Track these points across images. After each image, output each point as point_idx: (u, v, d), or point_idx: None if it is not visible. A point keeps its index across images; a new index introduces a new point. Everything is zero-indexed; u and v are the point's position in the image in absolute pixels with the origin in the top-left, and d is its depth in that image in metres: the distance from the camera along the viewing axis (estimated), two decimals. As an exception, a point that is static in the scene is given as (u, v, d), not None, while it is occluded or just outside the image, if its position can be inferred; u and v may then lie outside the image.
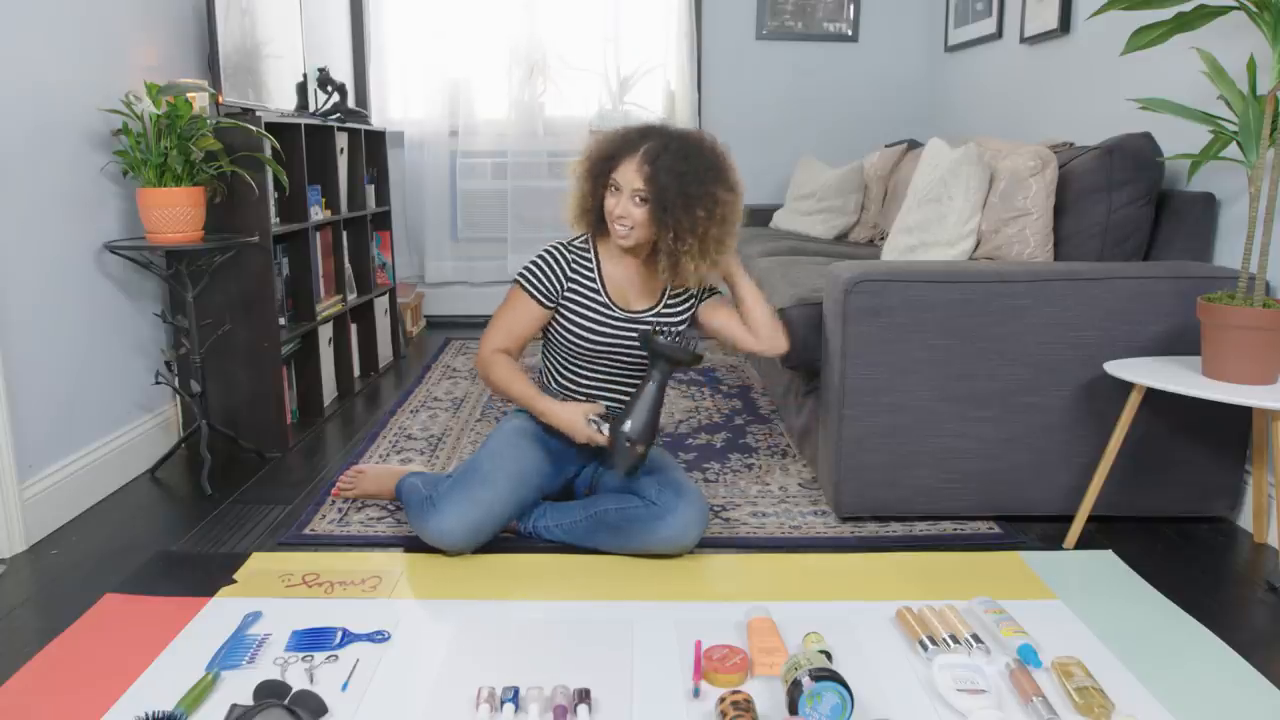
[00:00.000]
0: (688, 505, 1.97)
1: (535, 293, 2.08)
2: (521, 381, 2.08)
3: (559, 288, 2.09)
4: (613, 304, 2.10)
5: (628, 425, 1.93)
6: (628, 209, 1.99)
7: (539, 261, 2.10)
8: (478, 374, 2.11)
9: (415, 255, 4.76)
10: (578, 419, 2.02)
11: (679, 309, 2.15)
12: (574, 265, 2.10)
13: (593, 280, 2.10)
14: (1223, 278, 2.11)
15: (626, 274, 2.12)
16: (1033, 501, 2.22)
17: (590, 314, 2.09)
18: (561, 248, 2.11)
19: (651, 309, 2.12)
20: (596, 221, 2.09)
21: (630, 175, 1.98)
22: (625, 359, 2.12)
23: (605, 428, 1.97)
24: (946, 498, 2.21)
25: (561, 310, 2.10)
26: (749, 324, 2.12)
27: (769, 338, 2.11)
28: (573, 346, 2.11)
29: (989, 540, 2.14)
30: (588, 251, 2.12)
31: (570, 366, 2.16)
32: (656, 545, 1.98)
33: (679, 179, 1.95)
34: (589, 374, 2.15)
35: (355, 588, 1.89)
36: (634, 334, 2.09)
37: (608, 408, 2.16)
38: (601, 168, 2.04)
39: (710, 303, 2.17)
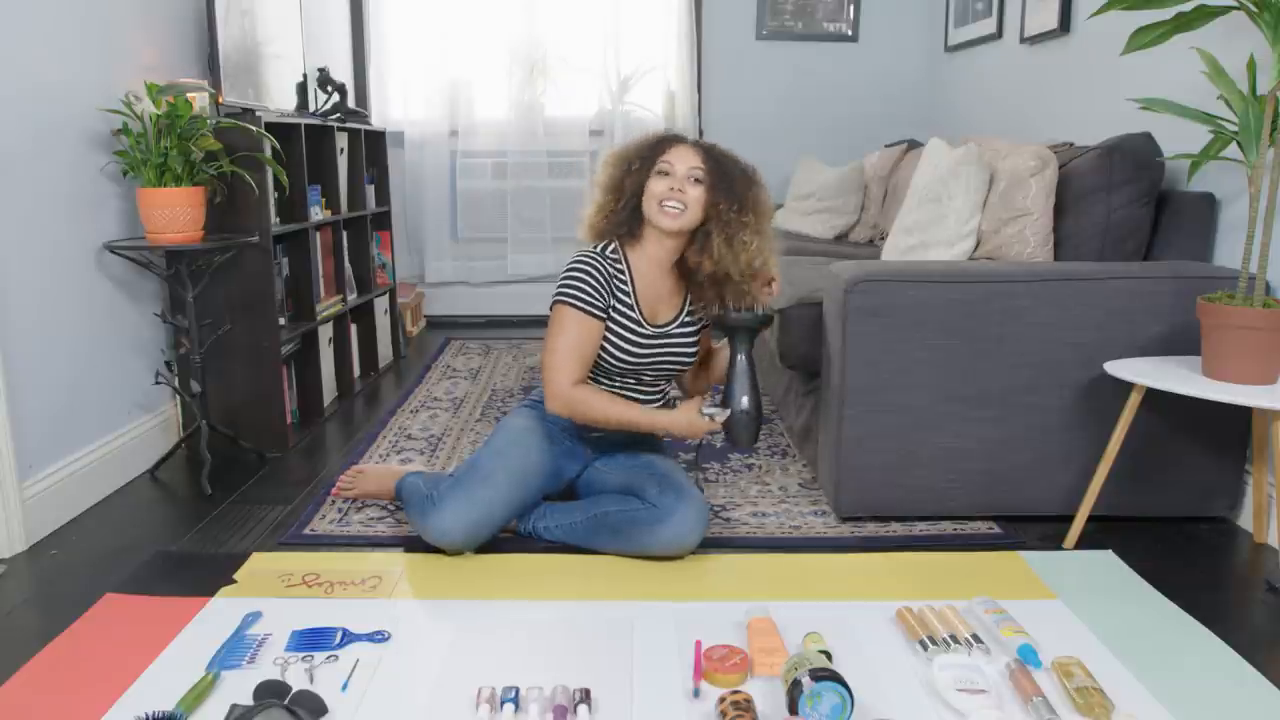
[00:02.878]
0: (688, 507, 1.97)
1: (593, 310, 2.01)
2: (626, 405, 2.04)
3: (608, 299, 2.04)
4: (644, 321, 2.08)
5: (742, 402, 1.98)
6: (684, 186, 1.99)
7: (583, 276, 2.02)
8: (559, 412, 2.02)
9: (415, 255, 4.76)
10: (696, 420, 1.98)
11: (697, 320, 2.14)
12: (613, 278, 2.06)
13: (628, 295, 2.06)
14: (1223, 278, 2.11)
15: (655, 284, 2.09)
16: (1033, 501, 2.22)
17: (627, 332, 2.06)
18: (596, 258, 2.05)
19: (674, 320, 2.12)
20: (629, 219, 2.05)
21: (686, 155, 2.01)
22: (648, 375, 2.12)
23: (719, 415, 1.98)
24: (946, 498, 2.21)
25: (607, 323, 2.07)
26: (708, 366, 2.18)
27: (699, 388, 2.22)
28: (601, 364, 2.08)
29: (989, 540, 2.14)
30: (620, 262, 2.07)
31: (596, 379, 2.12)
32: (657, 547, 1.98)
33: (732, 170, 2.03)
34: (607, 381, 2.13)
35: (355, 588, 1.89)
36: (659, 351, 2.09)
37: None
38: (649, 154, 2.04)
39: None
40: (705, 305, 2.10)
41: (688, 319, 2.13)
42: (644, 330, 2.07)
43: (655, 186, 2.01)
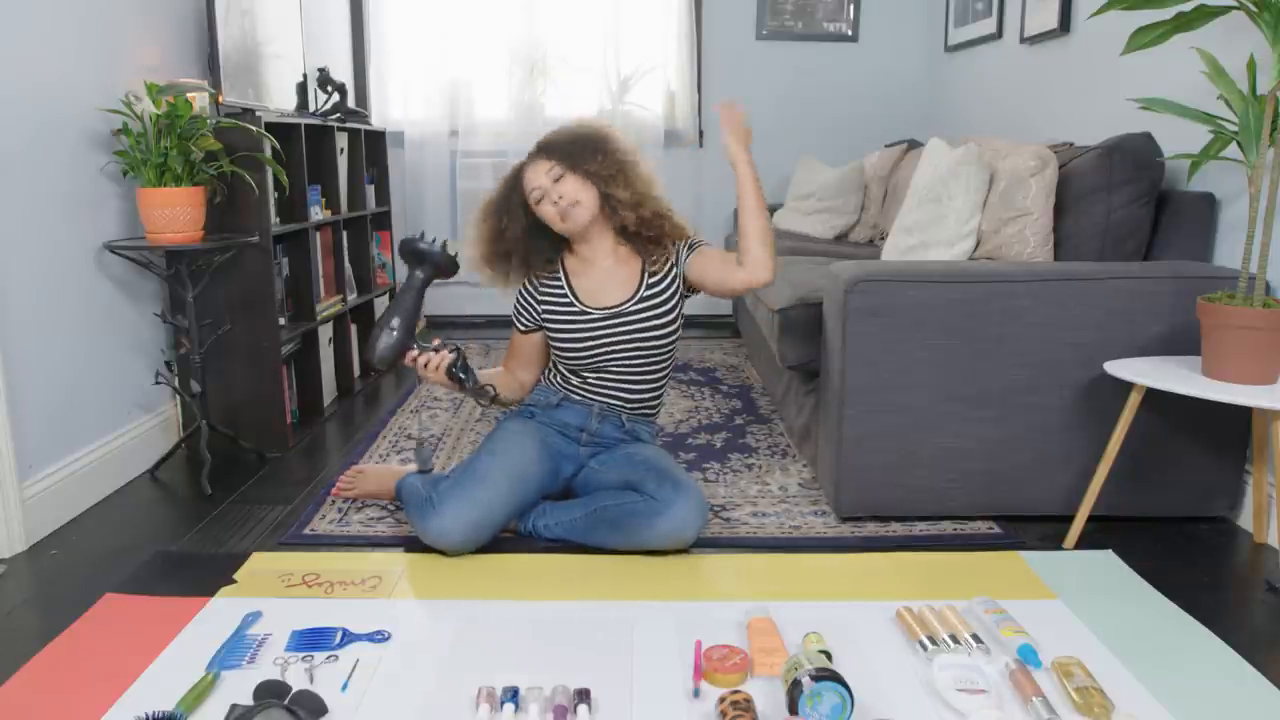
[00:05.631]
0: (686, 499, 1.98)
1: (516, 322, 2.26)
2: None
3: (534, 312, 2.20)
4: (587, 307, 2.14)
5: (392, 323, 1.98)
6: (560, 189, 2.07)
7: (516, 295, 2.24)
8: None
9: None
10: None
11: (662, 287, 2.15)
12: (544, 288, 2.19)
13: (562, 293, 2.17)
14: (1223, 278, 2.11)
15: (596, 276, 2.17)
16: (1033, 501, 2.22)
17: (568, 323, 2.15)
18: (530, 275, 2.21)
19: (631, 298, 2.14)
20: (547, 246, 2.17)
21: (536, 170, 2.09)
22: (619, 354, 2.14)
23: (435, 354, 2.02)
24: (946, 498, 2.21)
25: (545, 329, 2.19)
26: (740, 240, 2.04)
27: (753, 262, 2.02)
28: (565, 354, 2.16)
29: (989, 540, 2.14)
30: (555, 270, 2.20)
31: (574, 372, 2.19)
32: (656, 540, 1.98)
33: (570, 139, 2.10)
34: (591, 375, 2.18)
35: (355, 588, 1.89)
36: (616, 330, 2.13)
37: (611, 405, 2.19)
38: (514, 194, 2.13)
39: (692, 258, 2.16)
40: (659, 265, 2.16)
41: (648, 292, 2.15)
42: (589, 315, 2.14)
43: (544, 211, 2.10)
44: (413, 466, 2.47)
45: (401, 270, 4.65)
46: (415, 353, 2.00)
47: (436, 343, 2.03)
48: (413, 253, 1.99)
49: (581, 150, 2.08)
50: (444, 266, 2.00)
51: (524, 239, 2.15)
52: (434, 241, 1.99)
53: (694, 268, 2.15)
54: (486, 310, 4.83)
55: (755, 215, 2.02)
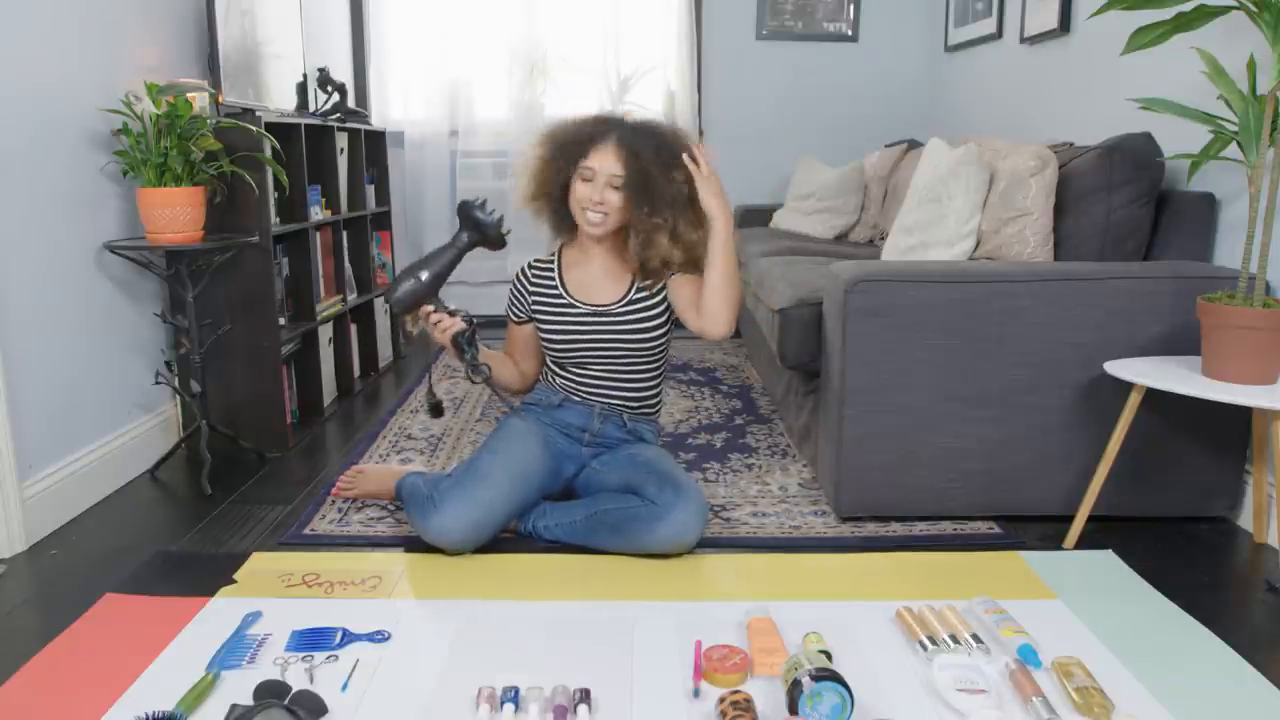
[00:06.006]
0: (687, 504, 1.97)
1: (509, 313, 2.27)
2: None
3: (525, 303, 2.21)
4: (575, 301, 2.15)
5: (422, 276, 2.01)
6: (605, 196, 2.03)
7: (511, 284, 2.25)
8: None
9: (415, 255, 4.76)
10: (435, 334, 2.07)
11: (650, 296, 2.14)
12: (535, 279, 2.21)
13: (554, 285, 2.18)
14: (1223, 278, 2.11)
15: (590, 272, 2.17)
16: (1033, 501, 2.22)
17: (556, 316, 2.16)
18: (525, 266, 2.24)
19: (620, 300, 2.14)
20: (556, 202, 2.12)
21: (608, 161, 2.02)
22: (603, 352, 2.14)
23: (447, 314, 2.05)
24: (946, 498, 2.21)
25: (534, 320, 2.20)
26: (704, 291, 2.02)
27: (709, 316, 2.01)
28: (552, 348, 2.18)
29: (989, 540, 2.14)
30: (550, 261, 2.22)
31: (563, 367, 2.20)
32: (656, 544, 1.98)
33: (655, 154, 2.01)
34: (574, 369, 2.18)
35: (355, 588, 1.89)
36: (602, 328, 2.12)
37: (611, 405, 2.19)
38: (574, 151, 2.06)
39: (675, 279, 2.13)
40: (652, 282, 2.14)
41: (637, 296, 2.14)
42: (577, 309, 2.14)
43: (579, 190, 2.06)
44: (413, 466, 2.47)
45: (401, 258, 4.66)
46: (431, 308, 2.03)
47: (453, 307, 2.04)
48: (468, 216, 2.00)
49: (644, 192, 2.00)
50: (493, 239, 2.01)
51: (559, 196, 2.12)
52: (492, 213, 2.00)
53: (671, 289, 2.14)
54: (486, 310, 4.82)
55: (722, 272, 1.99)
